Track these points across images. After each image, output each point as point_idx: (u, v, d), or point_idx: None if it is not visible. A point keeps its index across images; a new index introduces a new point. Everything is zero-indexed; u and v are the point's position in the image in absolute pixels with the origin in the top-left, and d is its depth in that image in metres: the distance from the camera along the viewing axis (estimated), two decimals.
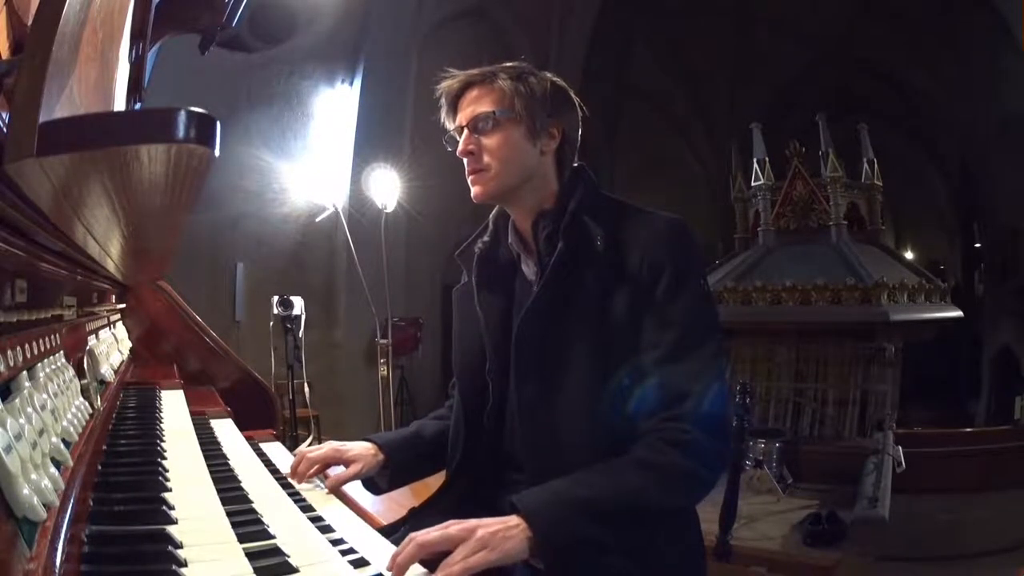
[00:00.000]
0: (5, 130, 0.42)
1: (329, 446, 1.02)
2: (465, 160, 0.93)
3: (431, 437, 1.08)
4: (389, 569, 0.66)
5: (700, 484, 0.84)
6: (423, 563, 0.68)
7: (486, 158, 0.92)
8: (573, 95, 0.97)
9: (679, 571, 0.90)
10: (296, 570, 0.62)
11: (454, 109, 0.95)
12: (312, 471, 0.98)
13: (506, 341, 0.93)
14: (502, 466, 0.98)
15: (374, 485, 1.05)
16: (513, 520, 0.73)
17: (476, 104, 0.92)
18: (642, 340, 0.86)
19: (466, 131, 0.93)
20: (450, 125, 0.96)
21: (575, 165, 0.98)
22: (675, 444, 0.81)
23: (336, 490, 0.97)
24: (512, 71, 0.93)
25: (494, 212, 1.02)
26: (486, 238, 1.01)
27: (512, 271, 0.99)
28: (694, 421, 0.82)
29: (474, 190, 0.94)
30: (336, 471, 0.99)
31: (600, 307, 0.87)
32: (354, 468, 0.98)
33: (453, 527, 0.70)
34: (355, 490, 1.06)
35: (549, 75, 0.96)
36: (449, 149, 0.96)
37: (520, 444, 0.93)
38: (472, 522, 0.72)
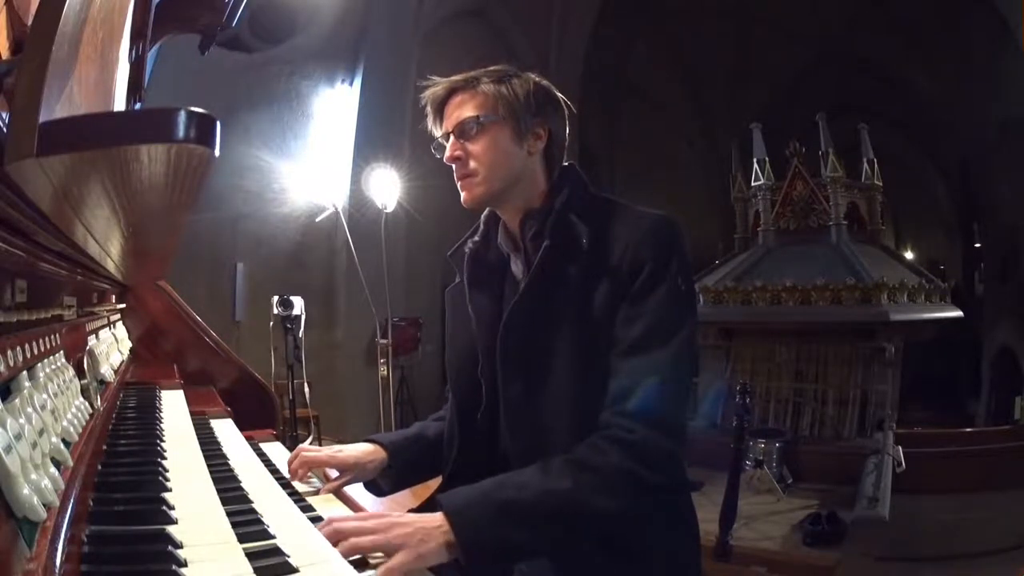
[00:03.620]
0: (5, 130, 0.42)
1: (328, 450, 1.01)
2: (453, 167, 0.94)
3: (434, 438, 1.07)
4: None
5: (644, 486, 0.80)
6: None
7: (472, 163, 0.92)
8: (558, 94, 0.97)
9: (672, 564, 0.90)
10: (296, 570, 0.62)
11: (440, 116, 0.95)
12: (307, 471, 0.99)
13: (495, 340, 0.93)
14: (497, 466, 0.97)
15: (376, 487, 1.05)
16: (435, 520, 0.73)
17: (460, 110, 0.93)
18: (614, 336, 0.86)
19: (452, 137, 0.93)
20: (437, 132, 0.96)
21: (564, 165, 0.98)
22: (617, 443, 0.79)
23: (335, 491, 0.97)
24: (494, 75, 0.94)
25: (485, 212, 1.02)
26: (476, 238, 1.02)
27: (502, 271, 1.00)
28: (642, 419, 0.80)
29: (463, 196, 0.94)
30: (350, 491, 0.99)
31: (584, 305, 0.87)
32: (346, 476, 0.98)
33: (371, 520, 0.71)
34: (356, 490, 1.06)
35: (533, 76, 0.96)
36: (437, 156, 0.96)
37: (509, 442, 0.93)
38: (390, 518, 0.72)
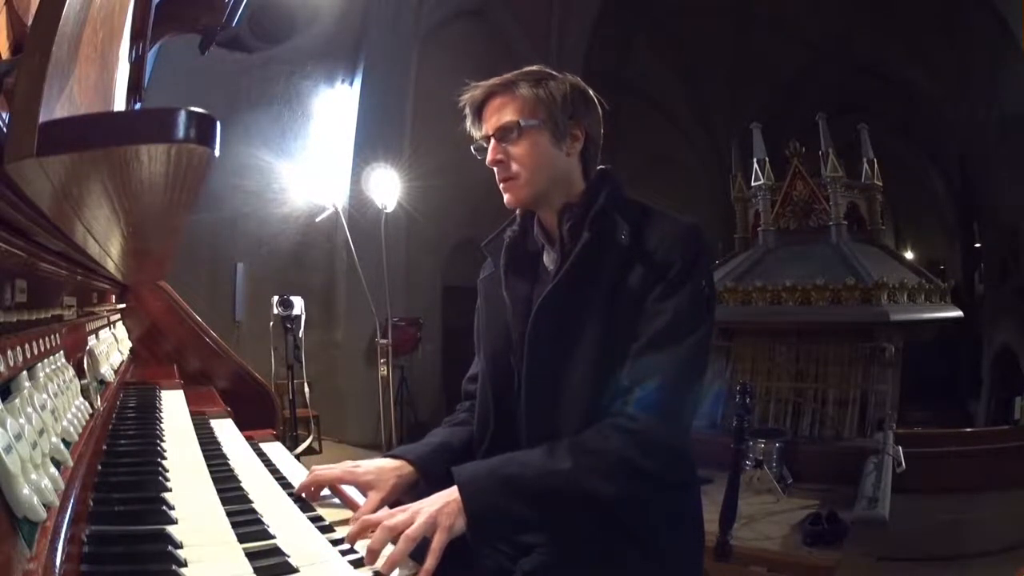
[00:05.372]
0: (5, 130, 0.42)
1: (342, 466, 0.93)
2: (495, 169, 0.96)
3: (460, 446, 1.03)
4: (370, 561, 0.68)
5: (640, 474, 0.82)
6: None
7: (515, 167, 0.94)
8: (592, 93, 1.00)
9: (676, 562, 0.91)
10: (296, 570, 0.62)
11: (479, 119, 0.98)
12: (319, 491, 0.92)
13: (527, 326, 0.95)
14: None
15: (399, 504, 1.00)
16: (452, 494, 0.78)
17: (500, 114, 0.95)
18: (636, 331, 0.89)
19: (493, 141, 0.95)
20: (476, 134, 0.99)
21: (603, 167, 1.00)
22: (619, 430, 0.83)
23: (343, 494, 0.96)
24: (531, 77, 0.95)
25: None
26: (515, 227, 1.03)
27: (537, 262, 1.02)
28: (646, 410, 0.83)
29: (506, 197, 0.97)
30: (350, 491, 0.92)
31: (612, 300, 0.90)
32: (374, 498, 0.88)
33: (399, 514, 0.75)
34: (355, 489, 1.05)
35: (568, 76, 0.98)
36: (479, 158, 0.98)
37: (525, 427, 0.94)
38: (412, 506, 0.77)
